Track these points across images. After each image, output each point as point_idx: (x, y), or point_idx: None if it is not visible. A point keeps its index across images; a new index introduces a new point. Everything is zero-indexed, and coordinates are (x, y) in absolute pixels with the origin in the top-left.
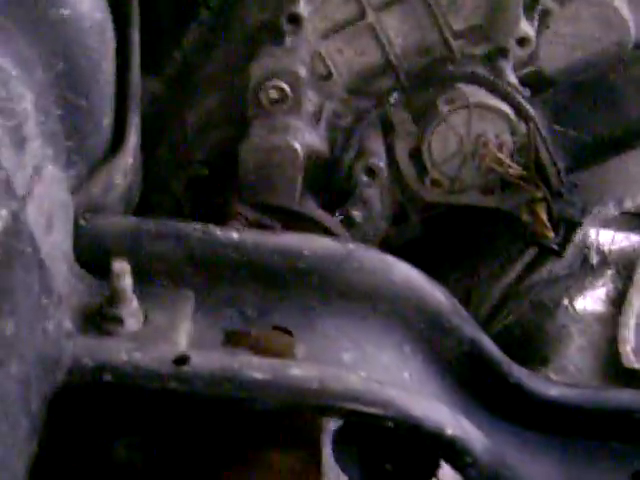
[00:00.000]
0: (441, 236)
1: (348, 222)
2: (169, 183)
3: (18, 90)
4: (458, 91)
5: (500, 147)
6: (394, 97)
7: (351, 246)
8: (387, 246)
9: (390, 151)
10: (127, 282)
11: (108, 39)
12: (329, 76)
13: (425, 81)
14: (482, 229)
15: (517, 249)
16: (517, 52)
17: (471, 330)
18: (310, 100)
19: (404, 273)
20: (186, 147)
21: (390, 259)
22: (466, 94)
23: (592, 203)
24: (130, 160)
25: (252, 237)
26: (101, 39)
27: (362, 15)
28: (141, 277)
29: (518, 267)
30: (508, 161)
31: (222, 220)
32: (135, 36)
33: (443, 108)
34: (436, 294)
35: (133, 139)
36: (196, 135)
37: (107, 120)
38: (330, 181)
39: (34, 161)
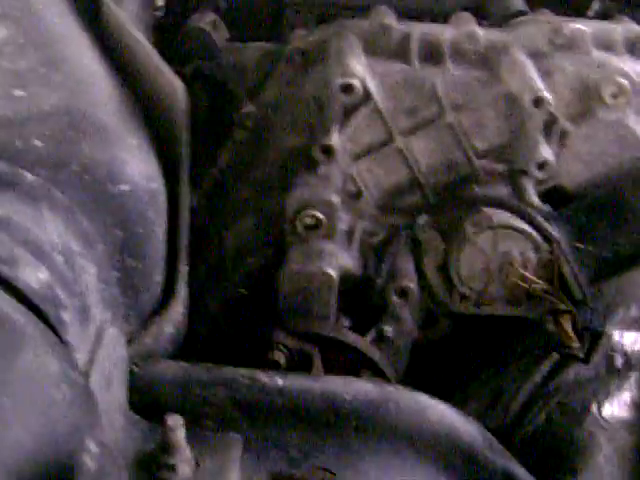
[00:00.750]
0: (470, 334)
1: (380, 338)
2: (206, 303)
3: (82, 266)
4: (484, 214)
5: (525, 264)
6: (423, 218)
7: (388, 388)
8: (416, 346)
9: (419, 265)
10: (180, 435)
11: (162, 204)
12: (359, 194)
13: (452, 202)
14: (510, 327)
15: (543, 349)
16: (537, 175)
17: (504, 462)
18: (342, 220)
19: (439, 412)
20: (224, 269)
21: (425, 399)
22: (491, 217)
23: (615, 306)
24: (180, 310)
25: (296, 382)
26: (156, 206)
27: (390, 139)
28: (191, 421)
29: (545, 367)
30: (533, 277)
31: (260, 344)
32: (186, 194)
33: (469, 229)
34: (470, 429)
35: (183, 289)
36: (234, 258)
37: (159, 276)
38: (363, 299)
39: (96, 328)
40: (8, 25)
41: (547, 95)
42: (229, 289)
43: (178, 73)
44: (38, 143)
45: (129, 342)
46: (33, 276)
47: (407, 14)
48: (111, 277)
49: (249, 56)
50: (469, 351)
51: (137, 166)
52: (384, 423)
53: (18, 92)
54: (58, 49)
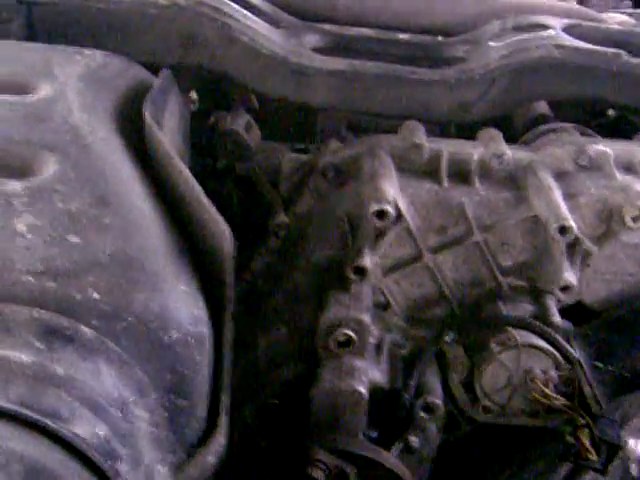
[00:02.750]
0: (491, 434)
1: (407, 449)
2: (240, 407)
3: (135, 414)
4: (508, 333)
5: (546, 382)
6: (450, 336)
7: None
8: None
9: (445, 379)
10: None
11: (208, 346)
12: (387, 306)
13: (479, 321)
14: (527, 432)
15: (560, 456)
16: (560, 296)
17: None
18: (371, 333)
19: None
20: (257, 377)
21: None
22: (515, 336)
23: (631, 415)
24: (223, 441)
25: None
26: (203, 348)
27: (419, 256)
28: None
29: (562, 472)
30: (553, 394)
31: (297, 457)
32: (229, 331)
33: (494, 348)
34: None
35: (225, 420)
36: (267, 367)
37: (203, 411)
38: (390, 412)
39: (146, 470)
40: (59, 158)
41: (572, 223)
42: (262, 398)
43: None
44: (95, 295)
45: (175, 473)
46: (91, 432)
47: (437, 123)
48: (161, 420)
49: (283, 167)
50: (487, 452)
51: (186, 312)
52: None
53: (73, 238)
54: (108, 185)
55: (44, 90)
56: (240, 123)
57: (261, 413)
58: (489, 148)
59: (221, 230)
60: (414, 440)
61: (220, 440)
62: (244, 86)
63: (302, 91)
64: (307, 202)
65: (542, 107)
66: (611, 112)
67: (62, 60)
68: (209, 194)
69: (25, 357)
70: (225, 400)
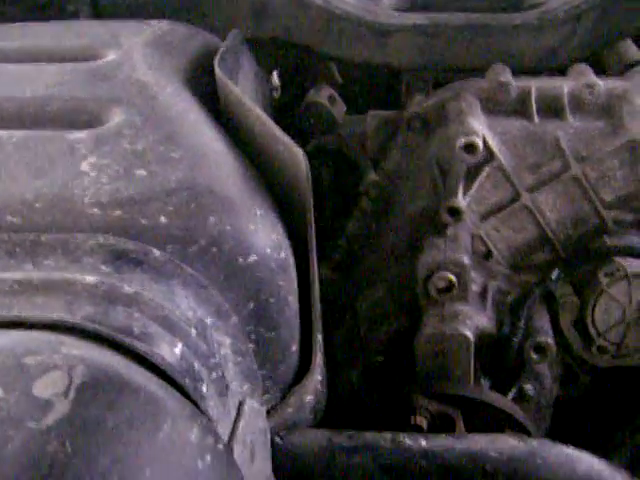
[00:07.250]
0: (609, 390)
1: (522, 396)
2: (345, 370)
3: (217, 339)
4: (616, 264)
5: None
6: (555, 273)
7: (534, 443)
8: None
9: (555, 321)
10: None
11: (291, 273)
12: (489, 255)
13: (584, 254)
14: None
15: None
16: None
17: None
18: (474, 281)
19: (587, 465)
20: (360, 338)
21: (572, 452)
22: (624, 266)
23: None
24: (319, 379)
25: (440, 443)
26: (286, 275)
27: (516, 197)
28: None
29: None
30: None
31: (401, 409)
32: (315, 262)
33: (603, 281)
34: None
35: (319, 358)
36: (369, 326)
37: (294, 346)
38: (500, 359)
39: (235, 401)
40: (125, 109)
41: None
42: (366, 357)
43: None
44: (164, 220)
45: (270, 413)
46: (168, 350)
47: (524, 72)
48: (247, 349)
49: (368, 124)
50: (604, 408)
51: (264, 236)
52: (532, 479)
53: (139, 172)
54: (175, 127)
55: (110, 56)
56: (323, 95)
57: (367, 374)
58: (579, 80)
59: (294, 154)
60: (529, 388)
61: (316, 378)
62: (323, 55)
63: (384, 52)
64: (395, 158)
65: (635, 53)
66: None
67: (129, 31)
68: None
69: (91, 278)
70: (318, 336)
